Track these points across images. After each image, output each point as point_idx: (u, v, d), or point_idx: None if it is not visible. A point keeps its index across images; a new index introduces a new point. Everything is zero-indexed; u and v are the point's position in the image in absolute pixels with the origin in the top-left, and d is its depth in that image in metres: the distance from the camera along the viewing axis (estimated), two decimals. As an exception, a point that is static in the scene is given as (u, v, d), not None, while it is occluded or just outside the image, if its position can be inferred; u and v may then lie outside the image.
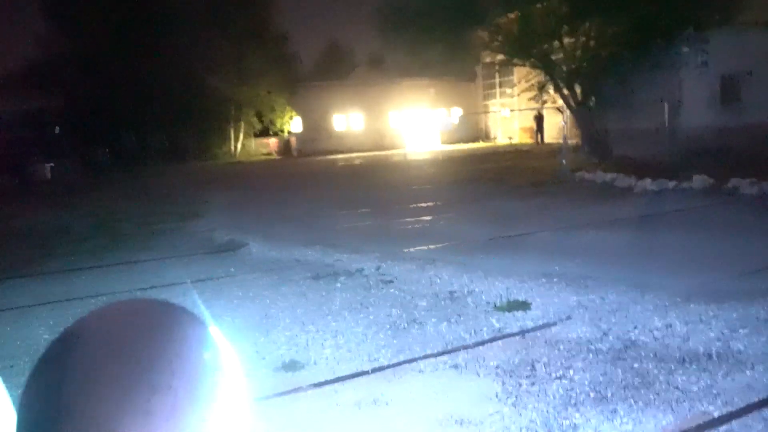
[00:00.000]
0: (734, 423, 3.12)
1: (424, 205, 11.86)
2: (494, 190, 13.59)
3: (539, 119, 28.61)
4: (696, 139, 15.18)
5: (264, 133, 33.38)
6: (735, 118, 15.92)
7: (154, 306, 0.49)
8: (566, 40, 17.03)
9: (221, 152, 31.78)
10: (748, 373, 3.66)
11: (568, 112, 16.87)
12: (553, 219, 9.61)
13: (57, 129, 28.80)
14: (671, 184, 11.91)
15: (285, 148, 33.62)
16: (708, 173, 11.83)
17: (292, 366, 4.22)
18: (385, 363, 4.16)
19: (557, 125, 24.40)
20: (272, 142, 34.21)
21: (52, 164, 24.90)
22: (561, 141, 15.82)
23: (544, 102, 18.12)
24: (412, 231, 9.40)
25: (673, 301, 5.06)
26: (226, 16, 28.90)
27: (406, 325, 4.93)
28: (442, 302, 5.47)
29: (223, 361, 0.49)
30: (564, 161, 14.90)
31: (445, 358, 4.19)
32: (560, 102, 17.63)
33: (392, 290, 5.96)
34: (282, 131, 33.23)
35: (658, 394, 3.48)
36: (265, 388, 3.82)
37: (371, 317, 5.15)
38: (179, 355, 0.45)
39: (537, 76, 17.97)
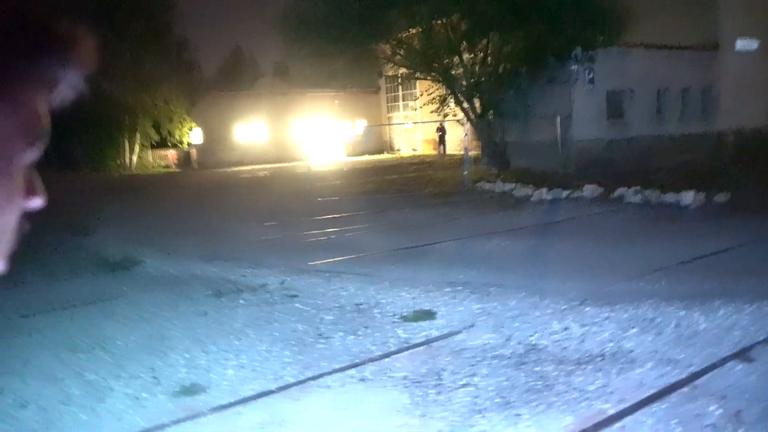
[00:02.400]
0: (627, 419, 3.26)
1: (329, 216, 11.82)
2: (399, 200, 13.74)
3: (441, 131, 29.23)
4: (586, 152, 16.12)
5: (162, 144, 32.06)
6: (620, 131, 17.10)
7: None
8: (466, 56, 17.43)
9: (115, 164, 30.20)
10: (638, 370, 3.85)
11: (468, 124, 17.27)
12: (456, 228, 9.84)
13: None
14: (565, 193, 12.42)
15: (185, 160, 32.40)
16: (597, 183, 12.42)
17: (191, 390, 4.01)
18: (291, 381, 4.05)
19: (459, 137, 25.10)
20: (171, 154, 32.87)
21: None
22: (463, 152, 16.27)
23: (446, 115, 18.56)
24: (317, 243, 9.32)
25: (570, 305, 5.28)
26: (121, 17, 27.57)
27: (312, 340, 4.84)
28: (349, 315, 5.43)
29: None
30: (466, 172, 15.22)
31: (352, 372, 4.14)
32: (461, 115, 18.18)
33: (297, 305, 5.84)
34: (181, 143, 32.08)
35: (558, 395, 3.58)
36: (162, 415, 3.61)
37: (276, 334, 5.02)
38: None
39: (439, 89, 18.30)
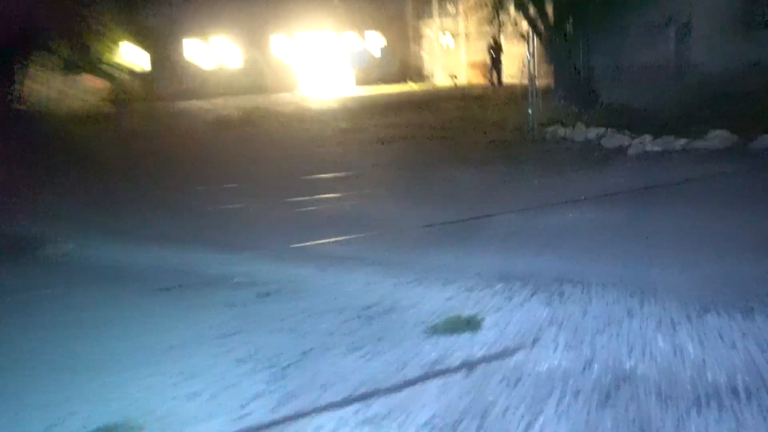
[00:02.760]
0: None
1: (329, 176, 11.93)
2: (433, 153, 13.91)
3: (495, 51, 29.10)
4: (713, 79, 15.75)
5: (90, 70, 32.20)
6: (765, 51, 16.59)
7: None
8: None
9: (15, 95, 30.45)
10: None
11: (536, 40, 17.07)
12: (516, 194, 9.77)
13: None
14: (680, 142, 12.28)
15: (122, 92, 32.57)
16: (729, 127, 12.28)
17: (114, 432, 4.05)
18: (264, 420, 3.99)
19: (520, 59, 24.75)
20: (97, 82, 33.05)
21: None
22: (526, 82, 16.09)
23: (503, 26, 18.34)
24: (310, 216, 9.37)
25: (685, 312, 5.15)
26: None
27: (295, 359, 4.77)
28: (352, 322, 5.35)
29: None
30: (531, 111, 15.17)
31: (354, 408, 4.06)
32: (525, 26, 17.90)
33: (276, 306, 5.83)
34: (119, 68, 32.16)
35: (664, 452, 3.51)
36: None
37: (244, 349, 4.97)
38: None
39: None
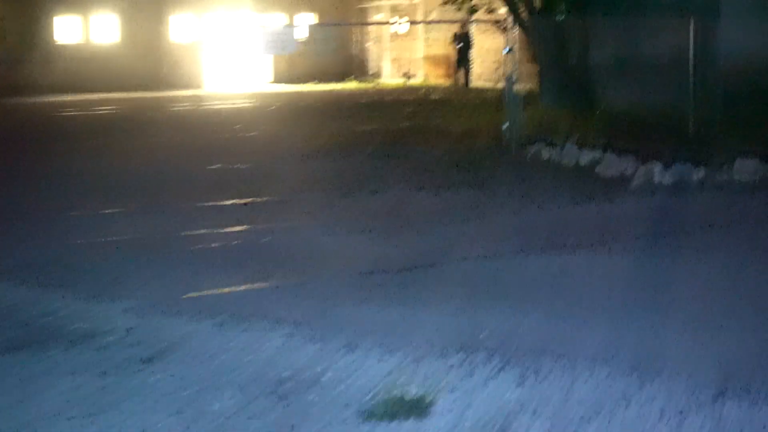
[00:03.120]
0: None
1: (239, 202, 11.78)
2: (378, 173, 13.73)
3: (462, 42, 29.17)
4: (743, 79, 15.79)
5: None
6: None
7: None
8: None
9: None
10: None
11: (516, 30, 17.18)
12: (485, 232, 9.82)
13: None
14: (698, 174, 12.33)
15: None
16: (763, 151, 12.34)
17: None
18: None
19: (495, 55, 24.83)
20: None
21: None
22: (502, 85, 16.16)
23: (473, 10, 18.47)
24: (213, 255, 9.23)
25: (697, 399, 5.13)
26: None
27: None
28: (260, 402, 5.26)
29: None
30: (508, 123, 15.15)
31: None
32: (502, 11, 17.98)
33: (161, 376, 5.69)
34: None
35: None
36: None
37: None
38: None
39: None
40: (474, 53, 29.14)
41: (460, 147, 15.88)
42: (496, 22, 17.85)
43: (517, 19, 17.52)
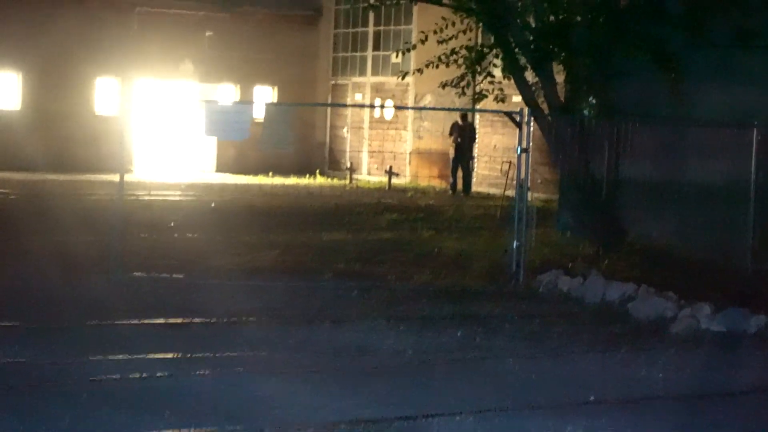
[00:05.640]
0: None
1: (161, 322, 11.74)
2: (342, 300, 13.65)
3: (462, 134, 29.50)
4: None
5: None
6: None
7: None
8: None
9: None
10: None
11: (532, 124, 17.18)
12: (484, 383, 9.65)
13: None
14: (757, 320, 12.35)
15: None
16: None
17: None
18: None
19: (504, 154, 24.81)
20: None
21: None
22: (510, 193, 16.00)
23: (481, 97, 18.45)
24: (109, 391, 8.89)
25: None
26: None
27: None
28: None
29: None
30: (517, 243, 15.12)
31: None
32: (517, 99, 17.82)
33: None
34: None
35: None
36: None
37: None
38: None
39: (465, 31, 18.90)
40: (477, 151, 29.06)
41: (452, 271, 15.81)
42: (508, 114, 17.79)
43: (533, 111, 17.44)
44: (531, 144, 16.43)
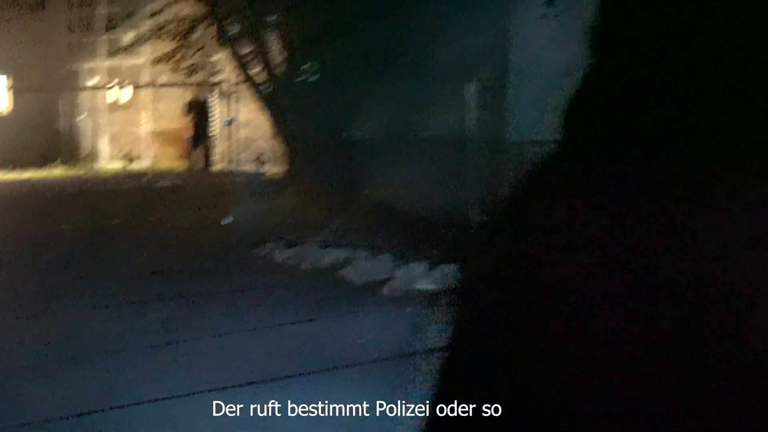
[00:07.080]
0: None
1: None
2: (53, 285, 13.21)
3: (199, 112, 29.45)
4: (534, 162, 16.18)
5: None
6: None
7: None
8: None
9: None
10: None
11: (254, 94, 17.56)
12: (181, 363, 9.51)
13: None
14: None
15: None
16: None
17: None
18: None
19: (248, 129, 24.88)
20: None
21: None
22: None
23: (193, 70, 18.35)
24: None
25: None
26: None
27: None
28: None
29: None
30: (231, 219, 15.05)
31: None
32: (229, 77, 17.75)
33: None
34: None
35: None
36: None
37: None
38: None
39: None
40: (217, 127, 29.11)
41: (174, 250, 15.92)
42: (214, 84, 18.01)
43: (250, 82, 17.46)
44: (232, 112, 16.49)
